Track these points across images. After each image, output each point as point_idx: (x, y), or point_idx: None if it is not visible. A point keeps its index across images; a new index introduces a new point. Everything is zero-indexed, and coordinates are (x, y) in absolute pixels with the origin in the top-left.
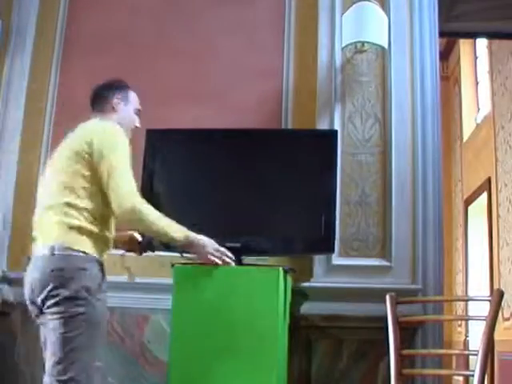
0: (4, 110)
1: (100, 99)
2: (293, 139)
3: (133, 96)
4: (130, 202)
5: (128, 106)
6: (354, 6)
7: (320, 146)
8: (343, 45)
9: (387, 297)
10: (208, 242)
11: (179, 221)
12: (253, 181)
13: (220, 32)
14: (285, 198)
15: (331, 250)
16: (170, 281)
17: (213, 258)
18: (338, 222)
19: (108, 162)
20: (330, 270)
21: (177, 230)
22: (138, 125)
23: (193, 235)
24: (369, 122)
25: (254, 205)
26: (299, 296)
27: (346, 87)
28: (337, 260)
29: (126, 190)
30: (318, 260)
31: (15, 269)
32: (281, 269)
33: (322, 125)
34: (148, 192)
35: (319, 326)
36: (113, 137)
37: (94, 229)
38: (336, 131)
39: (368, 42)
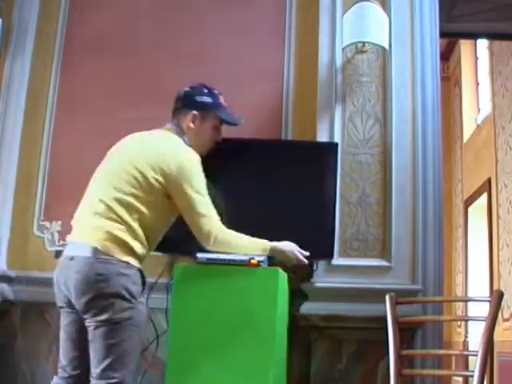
0: (4, 110)
1: (179, 109)
2: (297, 151)
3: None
4: (212, 239)
5: (205, 124)
6: (354, 6)
7: (321, 158)
8: (344, 45)
9: (387, 297)
10: (287, 247)
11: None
12: (258, 190)
13: (220, 32)
14: (288, 207)
15: (330, 255)
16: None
17: (300, 258)
18: (337, 223)
19: (185, 196)
20: (330, 270)
21: (254, 248)
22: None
23: (270, 246)
24: (369, 122)
25: (260, 213)
26: (299, 296)
27: (346, 87)
28: (337, 260)
29: (206, 229)
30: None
31: (15, 268)
32: (280, 269)
33: (323, 125)
34: None
35: (319, 326)
36: (191, 168)
37: (139, 248)
38: (336, 144)
39: (369, 43)
